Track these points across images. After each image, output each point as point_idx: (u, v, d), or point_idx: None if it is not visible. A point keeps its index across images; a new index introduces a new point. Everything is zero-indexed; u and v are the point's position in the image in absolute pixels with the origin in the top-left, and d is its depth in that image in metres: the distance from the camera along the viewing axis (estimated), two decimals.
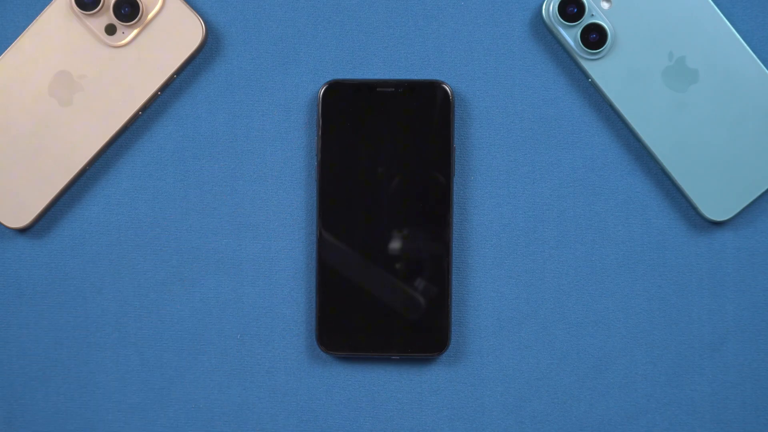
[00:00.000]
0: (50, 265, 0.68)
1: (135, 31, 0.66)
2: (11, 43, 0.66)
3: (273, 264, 0.68)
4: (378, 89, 0.66)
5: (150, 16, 0.66)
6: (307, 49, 0.67)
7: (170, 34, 0.66)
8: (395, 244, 0.66)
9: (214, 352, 0.68)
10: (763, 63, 0.66)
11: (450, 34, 0.67)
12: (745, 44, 0.66)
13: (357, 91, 0.66)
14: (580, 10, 0.65)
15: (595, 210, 0.68)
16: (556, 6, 0.65)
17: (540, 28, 0.67)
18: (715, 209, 0.66)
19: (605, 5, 0.66)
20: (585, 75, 0.67)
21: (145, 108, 0.67)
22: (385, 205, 0.66)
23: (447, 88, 0.66)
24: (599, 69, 0.66)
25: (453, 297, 0.66)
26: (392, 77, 0.67)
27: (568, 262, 0.67)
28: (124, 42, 0.66)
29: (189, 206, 0.67)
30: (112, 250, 0.67)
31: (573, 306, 0.67)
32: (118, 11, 0.65)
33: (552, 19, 0.66)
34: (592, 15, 0.65)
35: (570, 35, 0.66)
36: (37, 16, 0.66)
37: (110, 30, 0.66)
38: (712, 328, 0.67)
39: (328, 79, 0.67)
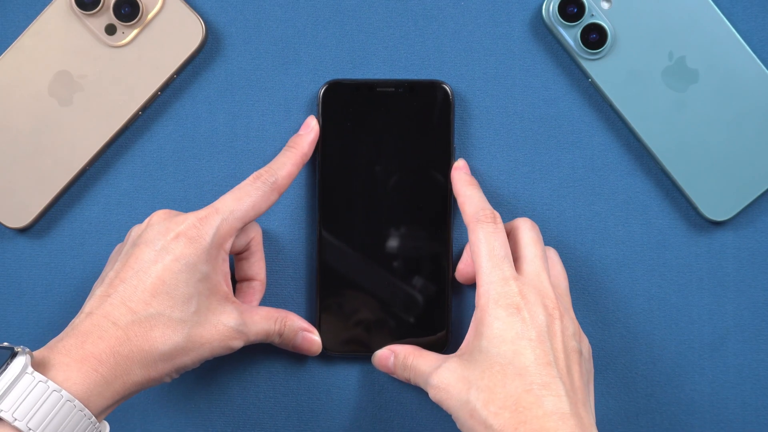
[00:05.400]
0: (50, 265, 0.68)
1: (135, 31, 0.66)
2: (11, 43, 0.66)
3: (273, 264, 0.67)
4: (378, 89, 0.66)
5: (150, 16, 0.66)
6: (307, 49, 0.67)
7: (170, 34, 0.66)
8: (395, 244, 0.66)
9: None
10: (763, 63, 0.66)
11: (450, 34, 0.67)
12: (745, 44, 0.66)
13: (357, 90, 0.66)
14: (580, 10, 0.65)
15: (595, 210, 0.67)
16: (556, 6, 0.65)
17: (540, 28, 0.67)
18: (715, 209, 0.66)
19: (605, 5, 0.66)
20: (585, 75, 0.66)
21: (145, 108, 0.67)
22: (385, 205, 0.66)
23: (447, 88, 0.66)
24: (599, 69, 0.66)
25: (453, 297, 0.66)
26: (392, 77, 0.67)
27: (568, 262, 0.67)
28: (124, 42, 0.66)
29: (189, 206, 0.67)
30: (112, 250, 0.67)
31: (573, 306, 0.67)
32: (118, 11, 0.65)
33: (552, 19, 0.66)
34: (592, 15, 0.65)
35: (570, 35, 0.66)
36: (37, 16, 0.66)
37: (110, 30, 0.66)
38: (712, 328, 0.67)
39: (328, 79, 0.67)
